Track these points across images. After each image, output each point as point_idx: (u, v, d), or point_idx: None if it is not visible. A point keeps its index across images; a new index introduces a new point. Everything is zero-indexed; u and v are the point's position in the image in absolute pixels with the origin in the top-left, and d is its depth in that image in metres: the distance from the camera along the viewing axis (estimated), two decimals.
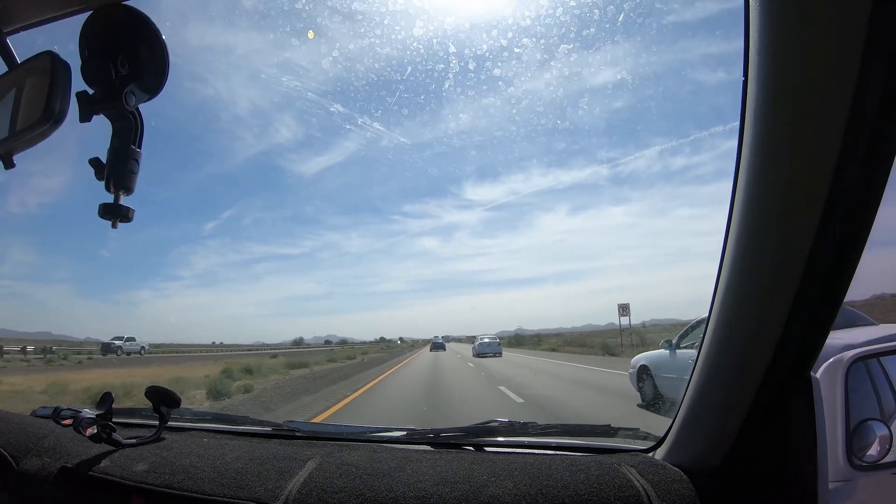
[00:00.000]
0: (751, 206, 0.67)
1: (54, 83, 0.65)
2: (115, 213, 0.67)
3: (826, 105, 0.56)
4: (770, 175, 0.64)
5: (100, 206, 0.67)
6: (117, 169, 0.68)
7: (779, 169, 0.63)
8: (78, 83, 0.67)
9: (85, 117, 0.66)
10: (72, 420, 1.01)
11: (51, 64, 0.66)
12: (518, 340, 52.04)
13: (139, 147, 0.70)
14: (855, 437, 0.89)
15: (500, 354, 25.02)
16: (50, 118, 0.65)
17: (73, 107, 0.67)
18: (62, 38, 0.73)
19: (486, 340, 27.10)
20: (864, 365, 1.03)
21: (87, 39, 0.68)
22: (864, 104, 0.53)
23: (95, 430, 1.00)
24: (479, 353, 25.18)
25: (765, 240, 0.68)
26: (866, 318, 4.81)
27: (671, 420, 0.96)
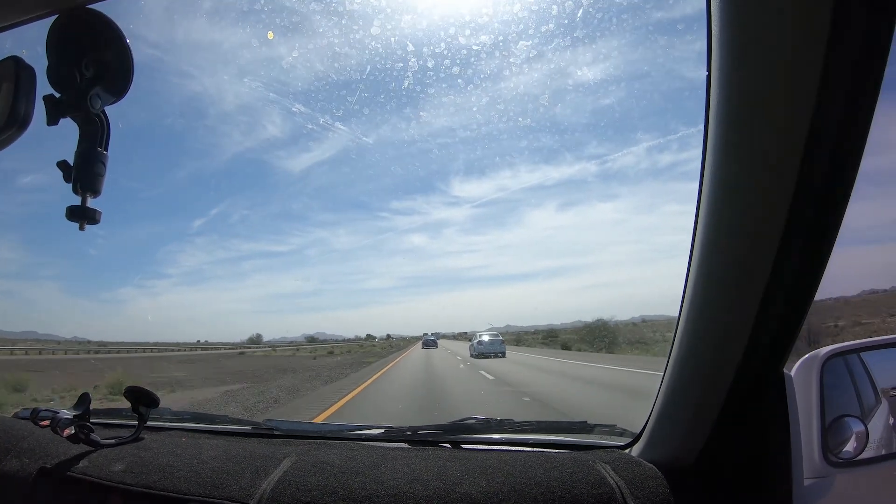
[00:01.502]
0: (717, 206, 0.68)
1: (19, 88, 0.66)
2: (81, 216, 0.68)
3: (790, 105, 0.56)
4: (736, 174, 0.64)
5: (66, 208, 0.68)
6: (84, 171, 0.68)
7: (745, 168, 0.63)
8: (45, 87, 0.68)
9: (52, 121, 0.67)
10: (49, 421, 1.01)
11: (15, 69, 0.66)
12: (601, 335, 28.71)
13: (106, 149, 0.70)
14: (831, 433, 0.89)
15: (503, 354, 20.59)
16: (15, 123, 0.65)
17: (40, 111, 0.68)
18: (28, 42, 0.73)
19: (486, 338, 21.96)
20: (843, 360, 1.03)
21: (53, 43, 0.68)
22: (828, 105, 0.54)
23: (73, 431, 1.01)
24: (479, 354, 20.56)
25: (732, 239, 0.68)
26: None
27: (647, 416, 0.96)
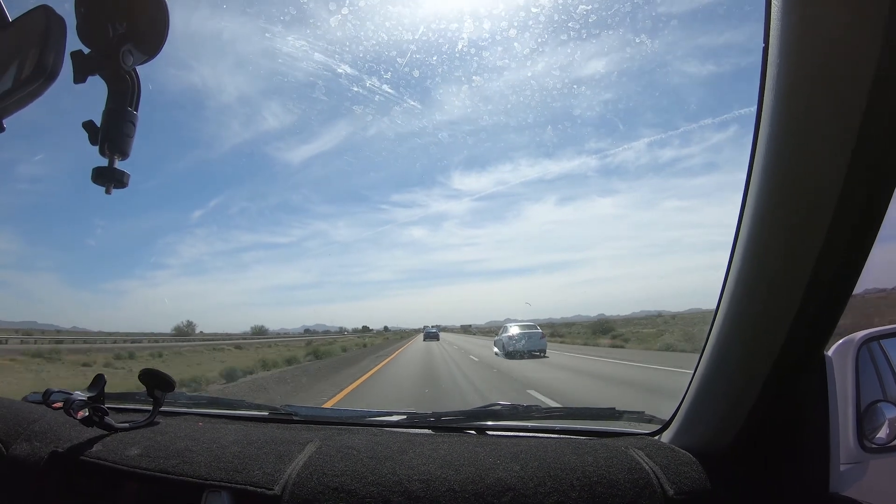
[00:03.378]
0: (765, 195, 0.68)
1: (48, 38, 0.62)
2: (109, 178, 0.64)
3: (843, 98, 0.56)
4: (785, 165, 0.64)
5: (93, 170, 0.64)
6: (112, 132, 0.64)
7: (794, 159, 0.63)
8: (73, 43, 0.64)
9: (79, 78, 0.63)
10: (62, 403, 0.98)
11: (45, 19, 0.63)
12: None
13: (136, 109, 0.67)
14: (865, 418, 0.88)
15: (543, 353, 13.51)
16: (42, 75, 0.61)
17: (68, 68, 0.64)
18: None
19: (518, 331, 14.23)
20: (867, 347, 1.02)
21: None
22: (880, 99, 0.53)
23: (87, 413, 0.96)
24: (512, 352, 13.39)
25: (780, 228, 0.68)
26: None
27: (677, 403, 0.95)
